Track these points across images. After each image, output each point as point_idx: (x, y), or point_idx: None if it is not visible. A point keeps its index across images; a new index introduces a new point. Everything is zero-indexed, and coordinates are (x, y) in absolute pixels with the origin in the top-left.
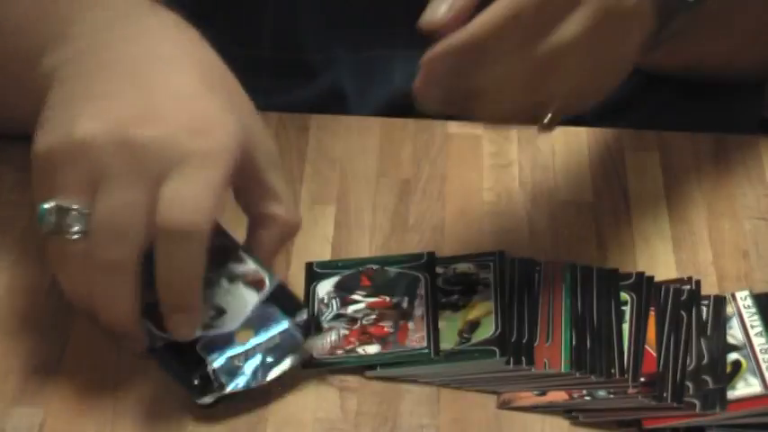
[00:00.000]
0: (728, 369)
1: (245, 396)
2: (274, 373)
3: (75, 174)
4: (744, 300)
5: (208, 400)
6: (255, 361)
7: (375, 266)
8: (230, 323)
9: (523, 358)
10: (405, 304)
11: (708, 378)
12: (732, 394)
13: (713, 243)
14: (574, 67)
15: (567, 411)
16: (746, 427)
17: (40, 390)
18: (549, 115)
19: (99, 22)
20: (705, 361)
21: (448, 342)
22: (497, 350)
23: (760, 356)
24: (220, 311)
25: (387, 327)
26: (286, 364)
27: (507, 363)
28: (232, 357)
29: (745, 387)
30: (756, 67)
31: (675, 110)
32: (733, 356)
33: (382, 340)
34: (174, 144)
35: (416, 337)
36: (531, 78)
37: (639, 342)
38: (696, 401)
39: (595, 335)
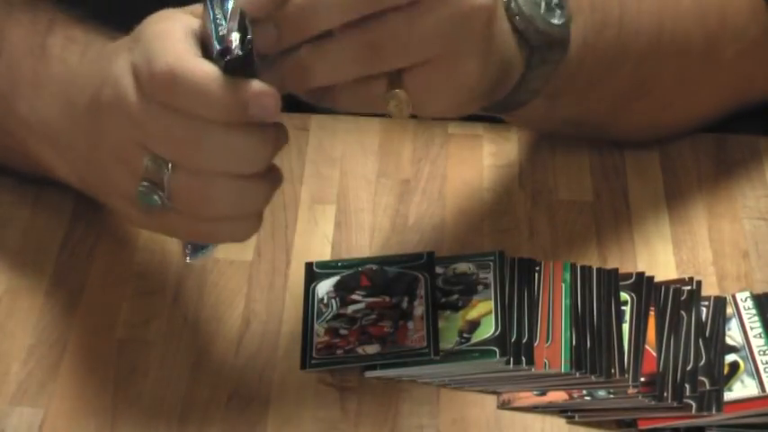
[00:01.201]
0: (726, 370)
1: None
2: None
3: None
4: (744, 301)
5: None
6: None
7: (375, 266)
8: None
9: (523, 358)
10: (404, 304)
11: (704, 379)
12: (728, 396)
13: (713, 243)
14: (401, 43)
15: (562, 411)
16: (747, 427)
17: (40, 390)
18: (393, 101)
19: None
20: (702, 362)
21: (448, 342)
22: (497, 350)
23: (758, 358)
24: None
25: (386, 327)
26: None
27: (507, 363)
28: None
29: (742, 389)
30: (639, 128)
31: None
32: (731, 358)
33: (382, 340)
34: None
35: (416, 337)
36: (360, 54)
37: (639, 342)
38: (692, 402)
39: (595, 335)
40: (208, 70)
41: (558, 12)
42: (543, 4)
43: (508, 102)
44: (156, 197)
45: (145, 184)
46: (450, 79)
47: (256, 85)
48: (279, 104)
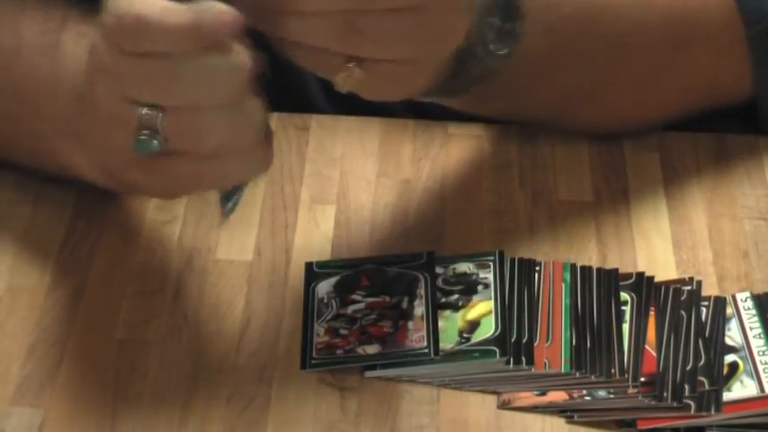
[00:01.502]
0: (725, 370)
1: None
2: None
3: None
4: (744, 301)
5: None
6: None
7: (375, 266)
8: None
9: (523, 358)
10: (404, 304)
11: (703, 379)
12: (727, 396)
13: (713, 243)
14: (381, 39)
15: (562, 411)
16: (747, 427)
17: (40, 390)
18: (345, 74)
19: None
20: (702, 362)
21: (448, 342)
22: (497, 350)
23: (757, 358)
24: None
25: (386, 327)
26: None
27: (507, 363)
28: None
29: (741, 389)
30: (596, 125)
31: None
32: (730, 358)
33: (382, 340)
34: None
35: (416, 337)
36: (339, 34)
37: (639, 342)
38: (691, 403)
39: (595, 335)
40: (163, 4)
41: (506, 44)
42: (495, 30)
43: (440, 92)
44: (154, 142)
45: (144, 132)
46: (406, 78)
47: (210, 5)
48: (239, 21)
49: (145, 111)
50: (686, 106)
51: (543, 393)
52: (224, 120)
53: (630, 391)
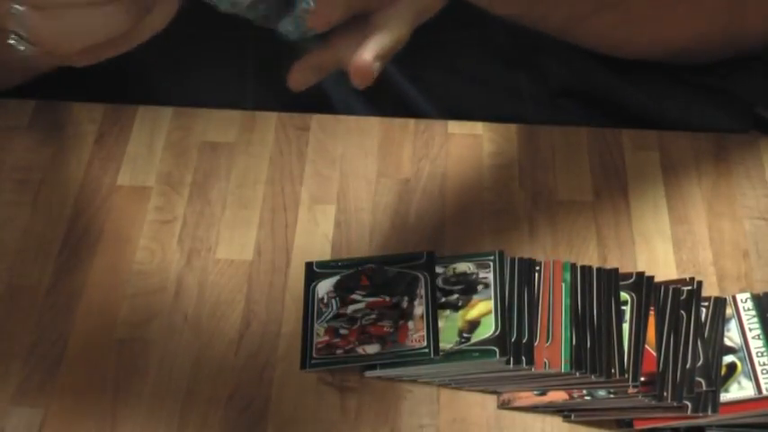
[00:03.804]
0: (723, 371)
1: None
2: None
3: None
4: (744, 302)
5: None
6: None
7: (375, 266)
8: None
9: (523, 358)
10: (404, 304)
11: (701, 380)
12: (725, 397)
13: (713, 243)
14: None
15: (561, 410)
16: (748, 426)
17: (40, 390)
18: None
19: None
20: (700, 363)
21: (448, 342)
22: (497, 350)
23: (756, 359)
24: None
25: (386, 326)
26: None
27: (507, 363)
28: None
29: (739, 390)
30: (610, 44)
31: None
32: (729, 359)
33: (382, 340)
34: None
35: (416, 337)
36: None
37: (639, 342)
38: (688, 403)
39: (595, 335)
40: None
41: None
42: None
43: None
44: (22, 47)
45: (12, 36)
46: None
47: None
48: None
49: (11, 13)
50: (709, 27)
51: (543, 393)
52: (87, 18)
53: (630, 390)
